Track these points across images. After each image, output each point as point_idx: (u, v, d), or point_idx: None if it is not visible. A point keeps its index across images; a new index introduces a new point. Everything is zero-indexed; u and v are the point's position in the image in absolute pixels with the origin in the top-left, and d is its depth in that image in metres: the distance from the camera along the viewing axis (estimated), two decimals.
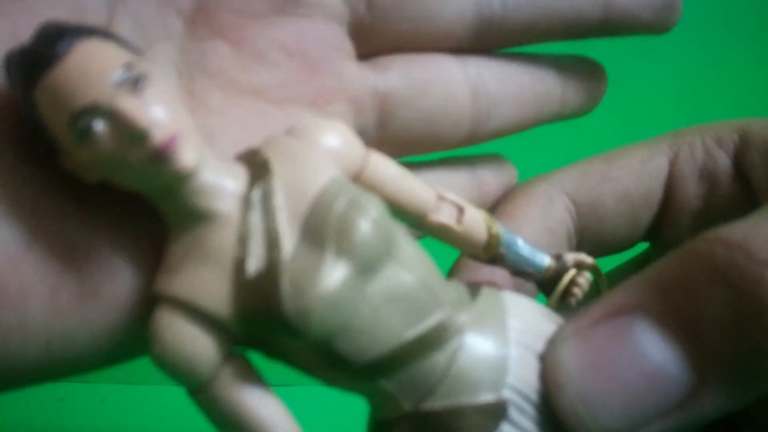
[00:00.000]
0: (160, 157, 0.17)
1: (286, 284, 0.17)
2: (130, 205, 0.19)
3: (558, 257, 0.22)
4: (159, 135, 0.17)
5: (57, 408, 0.48)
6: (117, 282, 0.19)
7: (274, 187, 0.18)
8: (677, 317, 0.18)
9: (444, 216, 0.21)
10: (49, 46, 0.17)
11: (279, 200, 0.18)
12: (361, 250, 0.18)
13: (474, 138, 0.26)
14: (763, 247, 0.17)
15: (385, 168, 0.21)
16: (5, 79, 0.18)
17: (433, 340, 0.19)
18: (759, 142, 0.24)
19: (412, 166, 0.26)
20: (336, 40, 0.23)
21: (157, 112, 0.17)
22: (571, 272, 0.22)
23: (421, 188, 0.21)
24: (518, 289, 0.23)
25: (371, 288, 0.18)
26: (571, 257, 0.22)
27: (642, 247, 0.28)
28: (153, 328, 0.18)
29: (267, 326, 0.18)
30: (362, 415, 0.21)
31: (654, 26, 0.26)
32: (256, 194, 0.18)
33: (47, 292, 0.18)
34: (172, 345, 0.18)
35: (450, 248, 0.22)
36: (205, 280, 0.18)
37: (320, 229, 0.18)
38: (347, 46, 0.24)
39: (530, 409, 0.19)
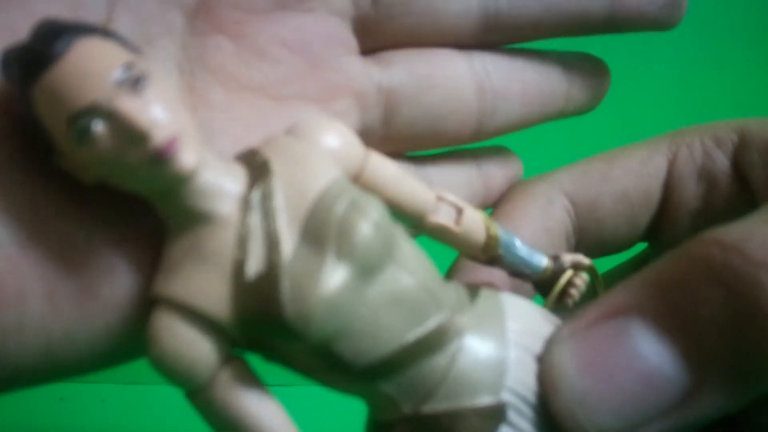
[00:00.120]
0: (160, 159, 0.17)
1: (286, 287, 0.17)
2: (128, 205, 0.19)
3: (555, 258, 0.23)
4: (159, 136, 0.17)
5: (57, 408, 0.48)
6: (115, 283, 0.19)
7: (274, 188, 0.18)
8: (674, 318, 0.18)
9: (443, 217, 0.21)
10: (47, 44, 0.17)
11: (279, 201, 0.18)
12: (361, 252, 0.17)
13: (479, 134, 0.26)
14: (759, 248, 0.17)
15: (385, 168, 0.21)
16: (3, 78, 0.18)
17: (433, 342, 0.19)
18: (758, 142, 0.24)
19: (417, 160, 0.26)
20: (339, 36, 0.23)
21: (158, 113, 0.17)
22: (568, 273, 0.22)
23: (420, 189, 0.21)
24: (516, 290, 0.23)
25: (371, 290, 0.18)
26: (568, 258, 0.22)
27: (641, 247, 0.28)
28: (151, 330, 0.18)
29: (266, 329, 0.18)
30: (361, 415, 0.21)
31: (659, 23, 0.26)
32: (256, 195, 0.18)
33: (45, 293, 0.18)
34: (169, 347, 0.18)
35: (448, 249, 0.22)
36: (204, 282, 0.18)
37: (321, 231, 0.18)
38: (351, 42, 0.24)
39: (529, 412, 0.19)
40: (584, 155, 0.27)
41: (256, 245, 0.18)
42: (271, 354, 0.19)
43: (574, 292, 0.22)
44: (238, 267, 0.18)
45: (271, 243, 0.18)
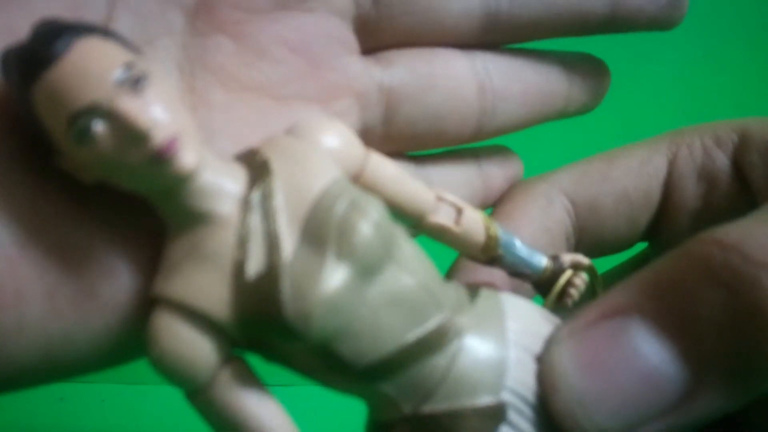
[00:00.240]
0: (160, 159, 0.17)
1: (286, 287, 0.17)
2: (128, 205, 0.19)
3: (555, 258, 0.23)
4: (159, 136, 0.17)
5: (57, 408, 0.48)
6: (115, 283, 0.19)
7: (274, 189, 0.18)
8: (673, 318, 0.18)
9: (442, 217, 0.21)
10: (47, 44, 0.17)
11: (279, 202, 0.18)
12: (361, 252, 0.17)
13: (480, 134, 0.26)
14: (758, 248, 0.17)
15: (385, 169, 0.21)
16: (2, 78, 0.18)
17: (434, 342, 0.19)
18: (758, 142, 0.24)
19: (418, 159, 0.26)
20: (340, 36, 0.23)
21: (158, 113, 0.17)
22: (568, 273, 0.22)
23: (420, 189, 0.21)
24: (516, 290, 0.23)
25: (371, 291, 0.18)
26: (567, 258, 0.22)
27: (641, 247, 0.28)
28: (150, 330, 0.18)
29: (266, 329, 0.18)
30: (361, 415, 0.21)
31: (660, 22, 0.26)
32: (256, 195, 0.18)
33: (45, 293, 0.18)
34: (169, 348, 0.18)
35: (448, 249, 0.22)
36: (204, 282, 0.18)
37: (321, 231, 0.18)
38: (351, 42, 0.24)
39: (529, 411, 0.19)
40: (584, 155, 0.27)
41: (256, 245, 0.18)
42: (271, 354, 0.19)
43: (574, 292, 0.22)
44: (238, 267, 0.18)
45: (271, 243, 0.18)
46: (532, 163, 0.29)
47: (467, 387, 0.19)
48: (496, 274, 0.23)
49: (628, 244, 0.27)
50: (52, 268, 0.18)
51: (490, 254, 0.22)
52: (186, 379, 0.18)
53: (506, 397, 0.19)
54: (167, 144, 0.17)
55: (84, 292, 0.19)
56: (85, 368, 0.20)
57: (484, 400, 0.19)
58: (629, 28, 0.26)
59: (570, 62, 0.27)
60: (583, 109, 0.28)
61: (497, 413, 0.19)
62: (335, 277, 0.17)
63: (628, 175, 0.26)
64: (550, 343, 0.20)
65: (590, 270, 0.23)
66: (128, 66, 0.17)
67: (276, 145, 0.19)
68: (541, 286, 0.23)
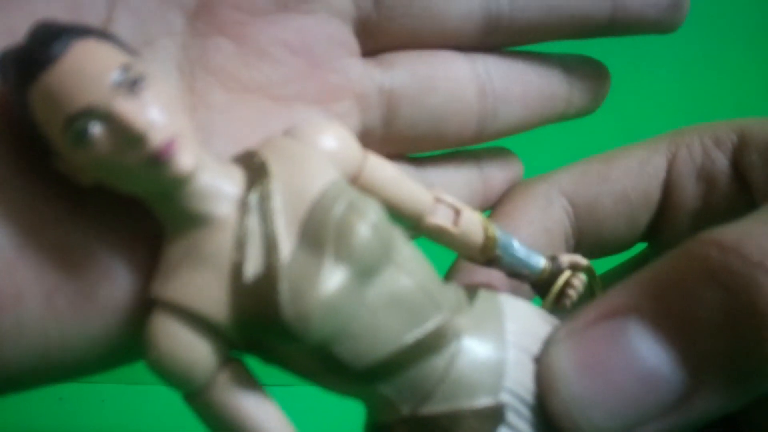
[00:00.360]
0: (157, 161, 0.17)
1: (284, 289, 0.17)
2: (126, 208, 0.19)
3: (553, 259, 0.23)
4: (157, 138, 0.17)
5: (57, 408, 0.48)
6: (113, 286, 0.19)
7: (272, 190, 0.18)
8: (671, 319, 0.18)
9: (441, 218, 0.21)
10: (44, 46, 0.17)
11: (277, 203, 0.18)
12: (360, 254, 0.17)
13: (480, 136, 0.26)
14: (756, 249, 0.17)
15: (383, 170, 0.21)
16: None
17: (432, 344, 0.19)
18: (757, 142, 0.24)
19: (418, 161, 0.26)
20: (341, 37, 0.23)
21: (155, 115, 0.17)
22: (566, 274, 0.22)
23: (418, 190, 0.21)
24: (515, 291, 0.23)
25: (370, 292, 0.18)
26: (566, 259, 0.22)
27: (641, 247, 0.28)
28: (148, 333, 0.18)
29: (265, 331, 0.18)
30: (360, 416, 0.21)
31: (660, 26, 0.26)
32: (254, 197, 0.18)
33: (43, 296, 0.18)
34: (167, 350, 0.18)
35: (447, 250, 0.22)
36: (202, 284, 0.18)
37: (319, 233, 0.18)
38: (352, 44, 0.24)
39: (527, 413, 0.19)
40: (584, 156, 0.27)
41: (254, 247, 0.18)
42: (269, 356, 0.19)
43: (572, 293, 0.22)
44: (236, 269, 0.18)
45: (269, 245, 0.18)
46: (532, 163, 0.29)
47: (466, 388, 0.19)
48: (495, 275, 0.23)
49: (627, 245, 0.27)
50: (50, 270, 0.18)
51: (489, 255, 0.22)
52: (184, 382, 0.18)
53: (505, 398, 0.19)
54: (165, 146, 0.17)
55: (82, 294, 0.19)
56: (84, 370, 0.20)
57: (483, 401, 0.19)
58: (630, 32, 0.26)
59: (570, 65, 0.27)
60: (584, 112, 0.28)
61: (496, 414, 0.19)
62: (333, 278, 0.17)
63: (627, 176, 0.26)
64: (548, 344, 0.20)
65: (588, 271, 0.23)
66: (125, 68, 0.17)
67: (274, 146, 0.19)
68: (540, 286, 0.23)
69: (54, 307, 0.18)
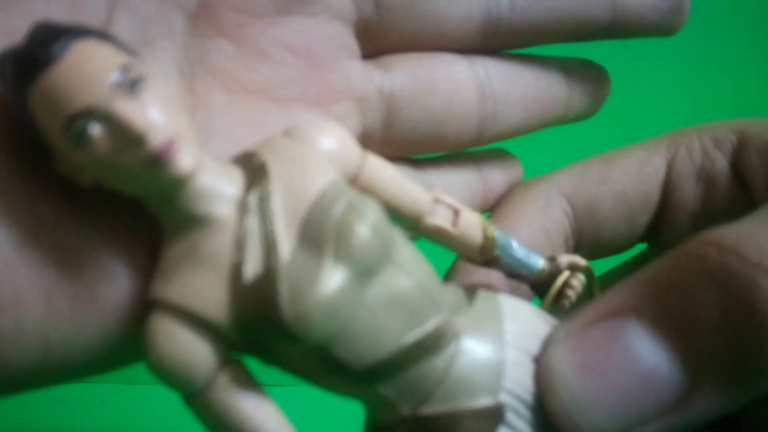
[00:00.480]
0: (157, 162, 0.17)
1: (284, 289, 0.17)
2: (125, 208, 0.19)
3: (552, 259, 0.23)
4: (156, 139, 0.17)
5: (57, 408, 0.48)
6: (113, 286, 0.19)
7: (272, 191, 0.18)
8: (670, 319, 0.18)
9: (439, 219, 0.21)
10: (43, 46, 0.16)
11: (276, 204, 0.18)
12: (359, 254, 0.17)
13: (480, 139, 0.26)
14: (755, 249, 0.17)
15: (382, 171, 0.21)
16: None
17: (432, 344, 0.19)
18: (757, 143, 0.24)
19: (418, 163, 0.26)
20: (341, 39, 0.23)
21: (155, 115, 0.17)
22: (565, 274, 0.22)
23: (417, 191, 0.21)
24: (514, 292, 0.23)
25: (370, 293, 0.18)
26: (564, 259, 0.22)
27: (640, 248, 0.28)
28: (148, 333, 0.18)
29: (264, 332, 0.18)
30: (359, 416, 0.21)
31: (661, 29, 0.26)
32: (253, 198, 0.18)
33: (43, 297, 0.18)
34: (167, 351, 0.18)
35: (446, 251, 0.22)
36: (202, 285, 0.18)
37: (319, 234, 0.18)
38: (353, 46, 0.24)
39: (527, 413, 0.19)
40: (584, 157, 0.27)
41: (254, 248, 0.18)
42: (269, 357, 0.19)
43: (571, 294, 0.22)
44: (236, 270, 0.18)
45: (269, 245, 0.18)
46: (532, 165, 0.29)
47: (465, 388, 0.19)
48: (494, 276, 0.23)
49: (627, 245, 0.27)
50: (49, 271, 0.18)
51: (487, 256, 0.22)
52: (183, 383, 0.18)
53: (504, 398, 0.19)
54: (164, 146, 0.17)
55: (81, 295, 0.19)
56: (83, 371, 0.20)
57: (482, 401, 0.19)
58: (630, 35, 0.26)
59: (570, 68, 0.27)
60: (583, 115, 0.28)
61: (495, 414, 0.19)
62: (333, 279, 0.17)
63: (627, 176, 0.26)
64: (547, 344, 0.20)
65: (587, 271, 0.23)
66: (125, 68, 0.17)
67: (273, 147, 0.19)
68: (539, 287, 0.23)
69: (53, 307, 0.18)
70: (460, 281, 0.24)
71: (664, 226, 0.26)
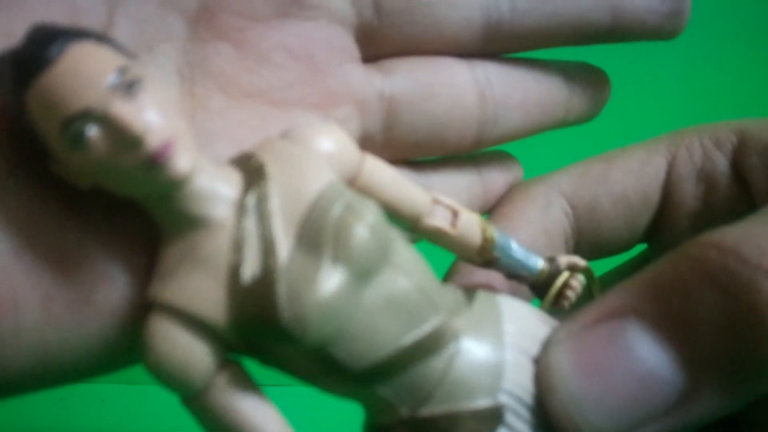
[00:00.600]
0: (154, 163, 0.17)
1: (282, 291, 0.17)
2: (123, 211, 0.19)
3: (551, 260, 0.22)
4: (154, 141, 0.17)
5: (57, 408, 0.48)
6: (110, 289, 0.19)
7: (270, 193, 0.18)
8: (670, 320, 0.18)
9: (438, 220, 0.21)
10: (41, 48, 0.16)
11: (274, 205, 0.18)
12: (357, 255, 0.17)
13: (480, 142, 0.26)
14: (755, 251, 0.17)
15: (381, 172, 0.21)
16: None
17: (430, 345, 0.19)
18: (757, 144, 0.24)
19: (417, 165, 0.26)
20: (341, 43, 0.23)
21: (152, 117, 0.17)
22: (564, 275, 0.22)
23: (416, 192, 0.21)
24: (514, 293, 0.23)
25: (368, 294, 0.18)
26: (564, 260, 0.22)
27: (640, 248, 0.28)
28: (146, 335, 0.18)
29: (263, 333, 0.18)
30: (358, 416, 0.21)
31: (661, 32, 0.26)
32: (251, 199, 0.18)
33: (41, 301, 0.18)
34: (165, 353, 0.18)
35: (446, 252, 0.22)
36: (200, 286, 0.18)
37: (317, 235, 0.18)
38: (353, 50, 0.24)
39: (526, 414, 0.19)
40: (584, 158, 0.27)
41: (252, 249, 0.18)
42: (268, 358, 0.19)
43: (571, 294, 0.22)
44: (234, 271, 0.18)
45: (267, 247, 0.18)
46: (532, 166, 0.29)
47: (464, 389, 0.19)
48: (494, 277, 0.23)
49: (627, 246, 0.27)
50: (47, 275, 0.18)
51: (487, 257, 0.22)
52: (182, 384, 0.18)
53: (503, 399, 0.19)
54: (161, 148, 0.17)
55: (79, 298, 0.19)
56: (82, 374, 0.20)
57: (482, 402, 0.19)
58: (630, 38, 0.26)
59: (570, 72, 0.27)
60: (583, 118, 0.28)
61: (494, 415, 0.19)
62: (331, 280, 0.17)
63: (627, 177, 0.26)
64: (547, 345, 0.20)
65: (587, 272, 0.23)
66: (122, 70, 0.17)
67: (271, 148, 0.19)
68: (538, 288, 0.23)
69: (51, 312, 0.18)
70: (459, 282, 0.24)
71: (664, 227, 0.26)
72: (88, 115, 0.16)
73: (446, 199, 0.21)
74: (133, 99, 0.17)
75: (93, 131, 0.17)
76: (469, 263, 0.23)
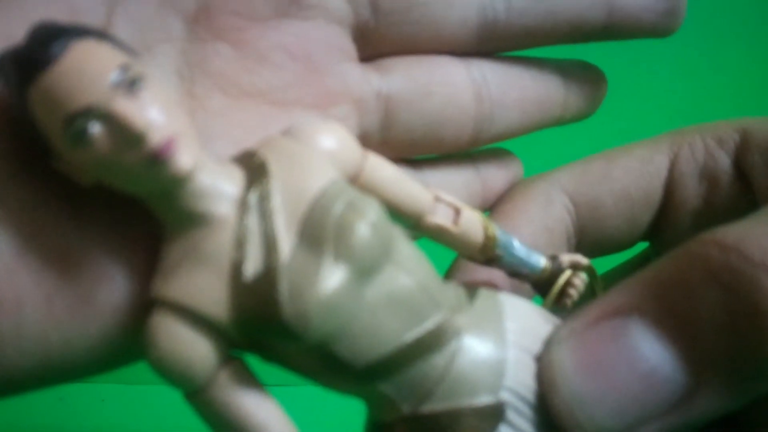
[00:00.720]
0: (156, 160, 0.17)
1: (284, 288, 0.17)
2: (125, 208, 0.19)
3: (553, 258, 0.22)
4: (156, 138, 0.17)
5: (57, 408, 0.48)
6: (112, 287, 0.19)
7: (272, 190, 0.18)
8: (673, 319, 0.18)
9: (440, 217, 0.21)
10: (43, 47, 0.17)
11: (276, 203, 0.18)
12: (359, 253, 0.17)
13: (477, 141, 0.26)
14: (757, 249, 0.17)
15: (383, 170, 0.21)
16: None
17: (432, 342, 0.19)
18: (759, 142, 0.24)
19: (415, 164, 0.26)
20: (339, 43, 0.23)
21: (154, 114, 0.17)
22: (567, 273, 0.22)
23: (417, 190, 0.21)
24: (516, 290, 0.23)
25: (370, 291, 0.18)
26: (566, 258, 0.22)
27: (642, 246, 0.28)
28: (149, 332, 0.18)
29: (265, 330, 0.18)
30: (360, 415, 0.21)
31: (657, 30, 0.26)
32: (253, 197, 0.18)
33: (42, 300, 0.18)
34: (168, 349, 0.18)
35: (447, 250, 0.22)
36: (202, 283, 0.18)
37: (318, 232, 0.18)
38: (350, 49, 0.24)
39: (527, 411, 0.19)
40: (584, 156, 0.27)
41: (254, 246, 0.18)
42: (270, 355, 0.19)
43: (573, 292, 0.22)
44: (236, 268, 0.18)
45: (269, 244, 0.18)
46: (532, 164, 0.29)
47: (466, 387, 0.19)
48: (496, 274, 0.23)
49: (629, 244, 0.27)
50: (49, 274, 0.18)
51: (489, 254, 0.22)
52: (185, 380, 0.18)
53: (505, 396, 0.19)
54: (163, 145, 0.17)
55: (82, 297, 0.19)
56: (84, 372, 0.20)
57: (483, 399, 0.19)
58: (626, 36, 0.26)
59: (567, 70, 0.27)
60: (580, 116, 0.28)
61: (496, 413, 0.19)
62: (333, 278, 0.17)
63: (629, 175, 0.26)
64: (549, 343, 0.20)
65: (589, 270, 0.23)
66: (124, 68, 0.17)
67: (273, 146, 0.19)
68: (540, 286, 0.23)
69: (54, 310, 0.18)
70: (461, 280, 0.24)
71: (666, 225, 0.26)
72: (90, 112, 0.16)
73: (448, 197, 0.21)
74: (135, 96, 0.17)
75: (96, 128, 0.17)
76: (471, 261, 0.23)
